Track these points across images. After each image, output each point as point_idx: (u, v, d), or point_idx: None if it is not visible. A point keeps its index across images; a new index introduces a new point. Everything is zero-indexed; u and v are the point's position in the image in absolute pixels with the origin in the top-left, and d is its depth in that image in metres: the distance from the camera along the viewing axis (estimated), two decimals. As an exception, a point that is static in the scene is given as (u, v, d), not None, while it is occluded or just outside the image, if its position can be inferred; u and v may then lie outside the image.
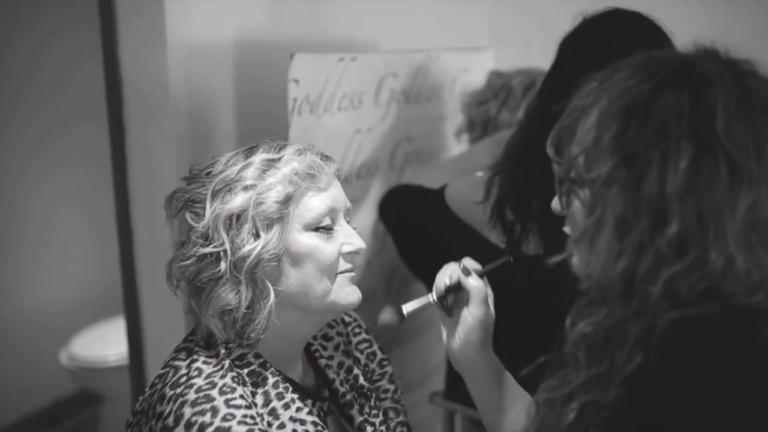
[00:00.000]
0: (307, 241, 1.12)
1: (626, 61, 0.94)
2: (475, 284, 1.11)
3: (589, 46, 1.37)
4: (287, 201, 1.11)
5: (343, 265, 1.16)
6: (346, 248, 1.16)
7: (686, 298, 0.83)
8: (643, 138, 0.84)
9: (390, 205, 1.82)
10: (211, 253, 1.10)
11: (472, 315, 1.11)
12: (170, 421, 1.03)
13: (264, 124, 1.72)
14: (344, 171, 1.78)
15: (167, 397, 1.06)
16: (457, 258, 1.53)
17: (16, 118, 3.18)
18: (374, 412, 1.30)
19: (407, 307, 1.17)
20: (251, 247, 1.08)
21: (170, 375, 1.10)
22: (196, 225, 1.11)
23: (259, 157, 1.13)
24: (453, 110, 2.19)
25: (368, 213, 1.89)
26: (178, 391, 1.06)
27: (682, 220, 0.82)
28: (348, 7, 2.14)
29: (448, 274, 1.15)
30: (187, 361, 1.11)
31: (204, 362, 1.10)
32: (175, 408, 1.04)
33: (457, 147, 2.21)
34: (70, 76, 3.29)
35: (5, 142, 3.15)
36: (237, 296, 1.09)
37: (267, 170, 1.12)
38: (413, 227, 1.67)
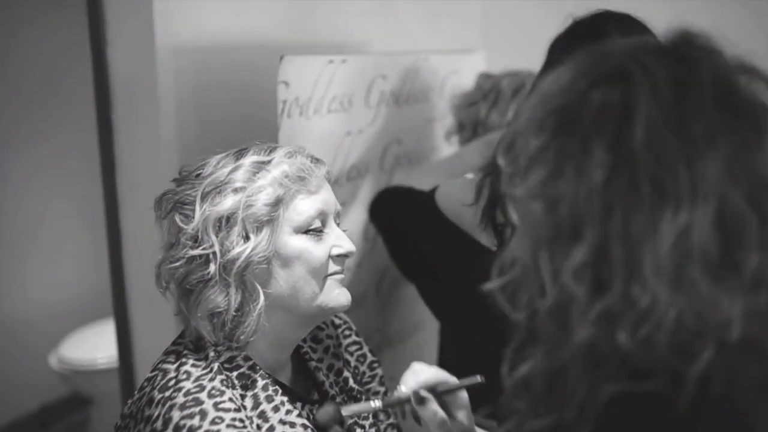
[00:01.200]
0: (297, 243, 1.12)
1: (572, 56, 0.81)
2: (428, 414, 1.07)
3: (579, 46, 1.37)
4: (277, 203, 1.11)
5: (333, 267, 1.16)
6: (336, 251, 1.16)
7: (629, 348, 0.69)
8: (563, 148, 0.72)
9: (381, 206, 1.82)
10: (200, 255, 1.09)
11: None
12: (159, 424, 1.03)
13: (253, 127, 1.71)
14: (334, 173, 1.78)
15: (156, 401, 1.06)
16: (448, 259, 1.54)
17: (6, 120, 3.17)
18: (364, 414, 1.30)
19: (347, 410, 1.12)
20: (241, 249, 1.08)
21: (159, 378, 1.09)
22: (185, 227, 1.10)
23: (249, 160, 1.13)
24: (443, 112, 2.19)
25: (359, 215, 1.89)
26: (167, 394, 1.05)
27: (590, 245, 0.70)
28: (337, 9, 2.14)
29: (404, 385, 1.10)
30: (176, 364, 1.11)
31: (193, 365, 1.10)
32: (163, 411, 1.03)
33: (446, 149, 2.21)
34: (60, 78, 3.29)
35: (-4, 143, 3.15)
36: (226, 298, 1.09)
37: (257, 172, 1.12)
38: (404, 229, 1.67)
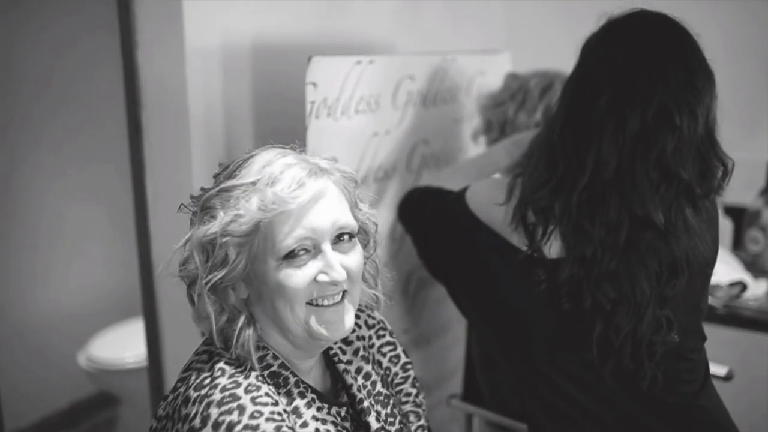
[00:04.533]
0: (274, 272, 1.09)
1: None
2: None
3: (614, 47, 1.36)
4: (253, 234, 1.09)
5: (315, 293, 1.11)
6: (321, 278, 1.10)
7: None
8: None
9: (409, 206, 1.81)
10: (187, 276, 1.13)
11: None
12: (197, 422, 1.03)
13: (282, 127, 1.72)
14: (362, 173, 1.78)
15: (192, 399, 1.06)
16: (478, 259, 1.52)
17: (36, 121, 3.21)
18: (390, 420, 1.29)
19: None
20: (218, 272, 1.09)
21: (193, 378, 1.10)
22: (184, 241, 1.13)
23: (233, 182, 1.11)
24: (470, 113, 2.19)
25: (386, 215, 1.89)
26: (203, 392, 1.06)
27: None
28: (365, 10, 2.15)
29: None
30: (210, 363, 1.11)
31: (227, 363, 1.11)
32: (201, 409, 1.03)
33: (473, 149, 2.20)
34: (89, 78, 3.31)
35: (25, 144, 3.18)
36: (215, 311, 1.12)
37: (241, 196, 1.09)
38: (434, 229, 1.67)
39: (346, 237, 1.14)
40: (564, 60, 1.62)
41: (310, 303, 1.11)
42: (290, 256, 1.09)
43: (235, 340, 1.11)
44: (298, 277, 1.09)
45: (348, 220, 1.14)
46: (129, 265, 2.14)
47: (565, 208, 1.35)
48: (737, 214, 2.73)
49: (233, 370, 1.09)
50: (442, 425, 2.28)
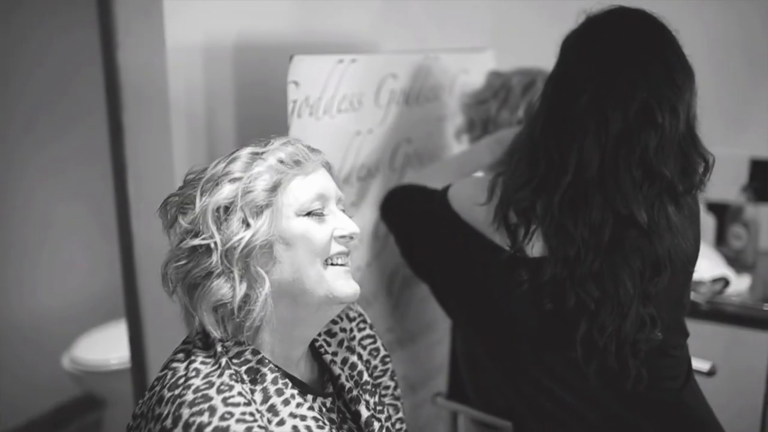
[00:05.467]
0: (299, 225, 1.13)
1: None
2: None
3: (593, 45, 1.36)
4: (275, 188, 1.12)
5: (336, 248, 1.16)
6: (338, 232, 1.16)
7: None
8: None
9: (392, 205, 1.81)
10: (201, 246, 1.10)
11: None
12: (168, 422, 1.03)
13: (264, 127, 1.72)
14: (344, 172, 1.77)
15: (165, 399, 1.06)
16: (461, 258, 1.53)
17: (18, 122, 3.19)
18: (379, 408, 1.30)
19: None
20: (241, 236, 1.09)
21: (168, 377, 1.09)
22: (185, 223, 1.12)
23: (245, 152, 1.16)
24: (453, 111, 2.19)
25: (369, 214, 1.89)
26: (176, 392, 1.05)
27: None
28: (347, 8, 2.14)
29: None
30: (186, 363, 1.11)
31: (202, 362, 1.10)
32: (173, 409, 1.03)
33: (457, 147, 2.21)
34: (70, 80, 3.30)
35: (7, 145, 3.16)
36: (231, 288, 1.09)
37: (253, 162, 1.14)
38: (417, 227, 1.67)
39: (341, 206, 1.22)
40: (547, 58, 1.63)
41: (325, 263, 1.15)
42: (312, 212, 1.14)
43: (258, 313, 1.10)
44: (320, 231, 1.14)
45: (341, 194, 1.23)
46: (113, 267, 2.13)
47: (547, 208, 1.35)
48: (720, 210, 2.75)
49: (208, 370, 1.09)
50: (428, 424, 2.28)
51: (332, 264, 1.16)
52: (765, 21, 2.71)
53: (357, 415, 1.25)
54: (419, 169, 2.05)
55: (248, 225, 1.09)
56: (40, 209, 3.32)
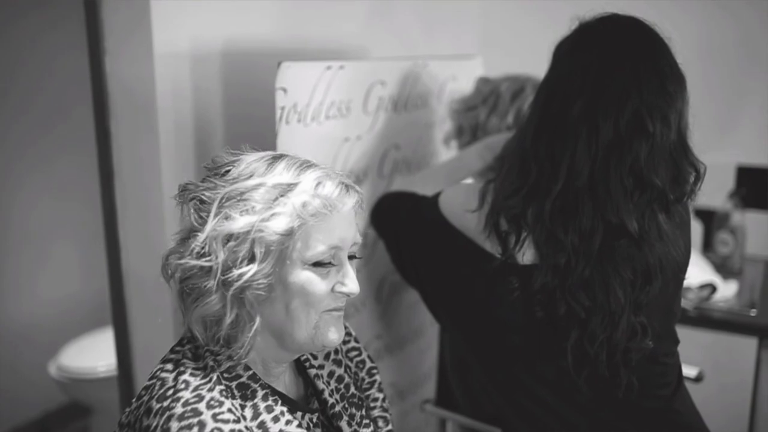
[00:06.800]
0: (301, 276, 1.09)
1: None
2: None
3: (585, 52, 1.36)
4: (290, 234, 1.07)
5: (332, 303, 1.13)
6: (339, 288, 1.13)
7: None
8: None
9: (382, 212, 1.81)
10: (202, 267, 1.08)
11: None
12: None
13: (252, 133, 1.71)
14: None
15: (154, 411, 1.04)
16: (451, 265, 1.52)
17: (2, 123, 3.16)
18: (365, 422, 1.29)
19: None
20: (243, 270, 1.06)
21: (157, 387, 1.08)
22: (197, 231, 1.09)
23: (273, 180, 1.10)
24: (442, 117, 2.19)
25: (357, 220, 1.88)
26: (165, 404, 1.04)
27: None
28: (335, 15, 2.14)
29: None
30: (174, 373, 1.10)
31: (191, 374, 1.09)
32: (161, 422, 1.02)
33: (445, 154, 2.21)
34: (58, 87, 3.28)
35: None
36: (222, 309, 1.08)
37: (278, 198, 1.08)
38: (407, 235, 1.66)
39: (355, 248, 1.18)
40: (536, 64, 1.63)
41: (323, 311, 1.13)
42: (319, 264, 1.10)
43: (244, 346, 1.09)
44: (321, 284, 1.11)
45: (359, 238, 1.18)
46: (100, 274, 2.12)
47: (538, 216, 1.34)
48: (707, 217, 2.77)
49: (198, 382, 1.08)
50: (417, 431, 2.27)
51: (326, 311, 1.14)
52: (750, 28, 2.73)
53: (339, 431, 1.24)
54: (409, 176, 2.05)
55: (252, 261, 1.06)
56: (27, 215, 3.30)
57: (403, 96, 2.01)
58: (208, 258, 1.07)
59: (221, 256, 1.06)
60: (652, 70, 1.32)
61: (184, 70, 1.70)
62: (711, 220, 2.74)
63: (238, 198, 1.08)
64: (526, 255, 1.38)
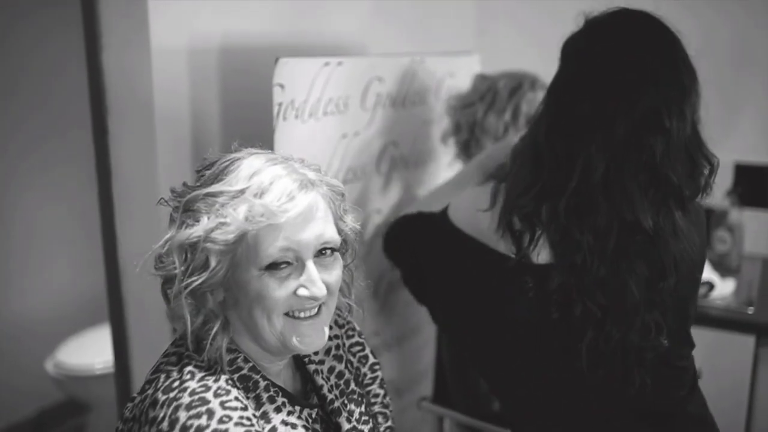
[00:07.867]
0: (255, 281, 1.08)
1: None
2: None
3: (598, 48, 1.33)
4: (240, 239, 1.07)
5: (294, 306, 1.11)
6: (301, 291, 1.10)
7: None
8: None
9: (395, 237, 1.78)
10: (165, 276, 1.11)
11: None
12: (165, 425, 1.01)
13: (249, 130, 1.71)
14: (330, 175, 1.76)
15: (161, 402, 1.04)
16: (467, 272, 1.48)
17: (4, 127, 3.16)
18: (364, 418, 1.29)
19: None
20: (198, 276, 1.07)
21: (162, 380, 1.08)
22: (165, 240, 1.11)
23: (224, 186, 1.09)
24: (439, 114, 2.19)
25: (355, 218, 1.88)
26: (172, 395, 1.04)
27: None
28: (333, 11, 2.14)
29: None
30: (179, 366, 1.10)
31: (196, 366, 1.09)
32: (169, 412, 1.02)
33: (443, 151, 2.21)
34: (55, 83, 3.28)
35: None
36: (191, 312, 1.10)
37: (227, 203, 1.08)
38: (421, 251, 1.62)
39: (328, 251, 1.14)
40: (533, 61, 1.63)
41: (287, 314, 1.11)
42: (272, 267, 1.08)
43: (208, 344, 1.10)
44: (278, 289, 1.08)
45: (332, 235, 1.13)
46: (97, 271, 2.12)
47: (552, 214, 1.32)
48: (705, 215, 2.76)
49: (202, 374, 1.08)
50: (414, 428, 2.27)
51: (294, 317, 1.12)
52: (749, 26, 2.72)
53: (338, 427, 1.24)
54: (406, 173, 2.04)
55: (206, 267, 1.07)
56: (25, 212, 3.30)
57: (401, 93, 2.00)
58: (168, 268, 1.09)
59: (179, 263, 1.08)
60: (666, 64, 1.30)
61: (181, 65, 1.70)
62: (709, 217, 2.74)
63: (192, 207, 1.09)
64: (541, 254, 1.36)
